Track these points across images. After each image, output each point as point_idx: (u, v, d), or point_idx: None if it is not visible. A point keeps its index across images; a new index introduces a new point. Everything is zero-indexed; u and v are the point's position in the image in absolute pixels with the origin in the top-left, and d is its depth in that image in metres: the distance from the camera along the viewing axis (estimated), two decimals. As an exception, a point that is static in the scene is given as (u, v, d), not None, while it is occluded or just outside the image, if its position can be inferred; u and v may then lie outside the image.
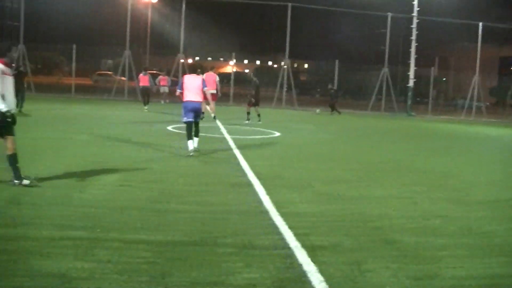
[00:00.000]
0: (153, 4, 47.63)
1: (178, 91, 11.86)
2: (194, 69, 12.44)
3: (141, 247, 5.33)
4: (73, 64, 33.58)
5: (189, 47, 39.44)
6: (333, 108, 30.73)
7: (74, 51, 32.59)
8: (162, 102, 30.39)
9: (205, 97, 12.04)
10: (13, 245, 5.17)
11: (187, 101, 11.54)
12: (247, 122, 20.64)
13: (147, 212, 6.68)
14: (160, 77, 31.93)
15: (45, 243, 5.29)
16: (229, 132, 16.26)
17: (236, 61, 37.38)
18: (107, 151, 11.80)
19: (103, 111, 23.50)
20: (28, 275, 4.45)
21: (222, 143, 14.00)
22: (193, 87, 11.61)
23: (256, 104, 21.37)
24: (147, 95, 25.07)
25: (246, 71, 31.51)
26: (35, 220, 6.01)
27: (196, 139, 11.80)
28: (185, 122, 11.62)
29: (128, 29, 33.05)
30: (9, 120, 7.46)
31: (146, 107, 24.26)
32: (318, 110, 32.38)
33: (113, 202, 7.05)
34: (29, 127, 14.14)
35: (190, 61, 50.07)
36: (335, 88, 33.00)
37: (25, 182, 7.51)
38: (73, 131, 14.64)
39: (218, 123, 18.64)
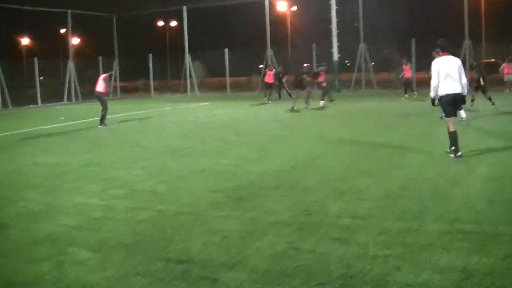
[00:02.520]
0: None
1: None
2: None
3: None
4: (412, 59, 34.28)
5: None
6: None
7: (413, 46, 34.13)
8: (508, 91, 28.43)
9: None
10: (411, 238, 5.39)
11: None
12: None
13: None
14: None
15: (436, 236, 5.41)
16: None
17: None
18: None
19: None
20: (430, 268, 4.62)
21: None
22: None
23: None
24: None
25: None
26: (423, 214, 6.22)
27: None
28: None
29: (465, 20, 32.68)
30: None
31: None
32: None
33: (499, 195, 6.91)
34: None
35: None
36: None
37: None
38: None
39: None
